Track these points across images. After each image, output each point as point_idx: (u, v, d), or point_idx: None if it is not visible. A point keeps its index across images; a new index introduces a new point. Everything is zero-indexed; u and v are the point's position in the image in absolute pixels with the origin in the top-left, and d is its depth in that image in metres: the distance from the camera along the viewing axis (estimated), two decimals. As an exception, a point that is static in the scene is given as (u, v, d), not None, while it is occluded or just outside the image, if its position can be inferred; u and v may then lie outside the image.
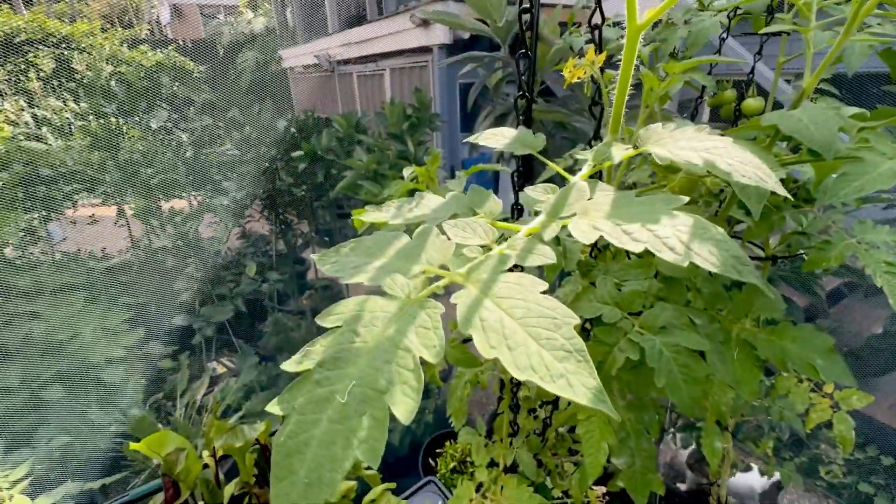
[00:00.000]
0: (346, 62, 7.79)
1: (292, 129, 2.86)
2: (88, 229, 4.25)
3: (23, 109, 4.30)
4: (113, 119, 3.72)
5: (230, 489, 1.12)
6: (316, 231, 3.74)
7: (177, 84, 4.37)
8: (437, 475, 1.23)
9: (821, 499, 3.23)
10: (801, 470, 3.39)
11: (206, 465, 1.29)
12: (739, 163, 0.46)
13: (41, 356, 2.40)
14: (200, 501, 1.17)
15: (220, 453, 1.28)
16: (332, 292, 4.63)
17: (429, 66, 5.62)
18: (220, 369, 3.02)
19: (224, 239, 3.01)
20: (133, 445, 1.00)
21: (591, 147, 0.73)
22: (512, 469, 0.81)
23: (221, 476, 1.24)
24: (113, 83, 3.92)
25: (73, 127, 4.13)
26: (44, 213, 3.50)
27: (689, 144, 0.49)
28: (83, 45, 6.24)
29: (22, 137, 3.49)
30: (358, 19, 7.24)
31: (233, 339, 2.96)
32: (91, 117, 3.93)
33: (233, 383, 2.52)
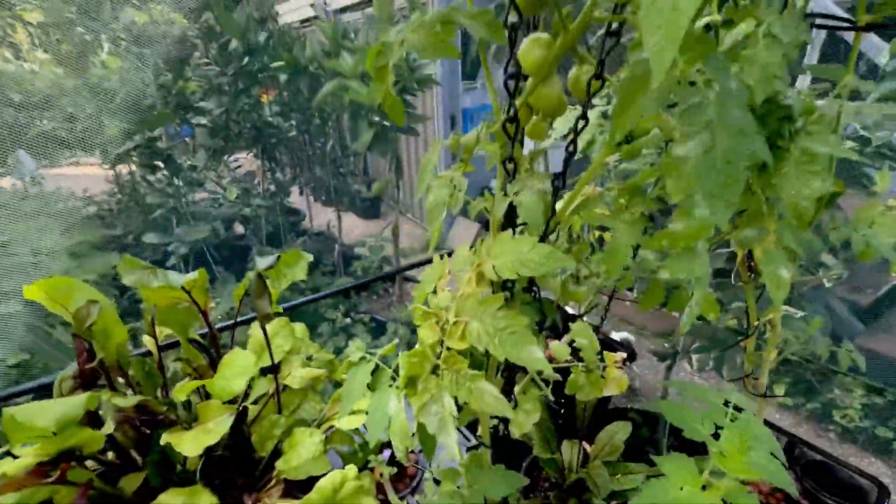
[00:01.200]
0: (344, 10, 7.39)
1: (273, 42, 2.59)
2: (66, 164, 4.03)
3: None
4: (88, 45, 3.44)
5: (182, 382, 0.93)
6: (305, 168, 3.50)
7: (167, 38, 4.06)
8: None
9: (833, 444, 3.06)
10: (815, 415, 3.22)
11: (148, 353, 1.09)
12: None
13: (5, 275, 2.22)
14: (129, 390, 0.97)
15: (161, 334, 1.08)
16: (326, 238, 4.43)
17: (428, 4, 5.29)
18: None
19: (203, 163, 2.79)
20: (28, 289, 0.79)
21: None
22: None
23: (166, 363, 1.04)
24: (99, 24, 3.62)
25: (43, 49, 3.86)
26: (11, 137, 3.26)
27: None
28: None
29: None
30: None
31: (213, 269, 2.77)
32: (65, 45, 3.65)
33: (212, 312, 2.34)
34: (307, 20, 9.46)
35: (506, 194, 0.43)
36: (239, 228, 4.08)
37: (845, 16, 0.74)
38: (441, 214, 0.51)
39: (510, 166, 0.44)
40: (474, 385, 0.38)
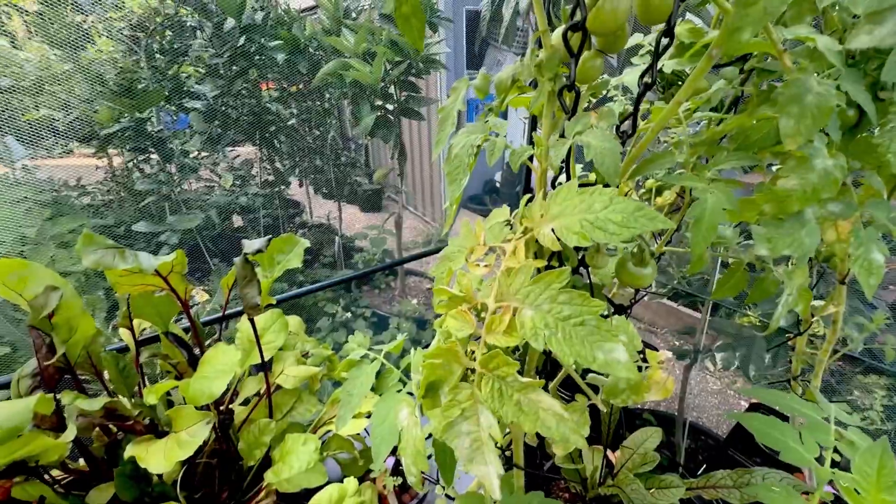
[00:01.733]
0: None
1: (270, 22, 2.46)
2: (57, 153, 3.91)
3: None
4: (80, 28, 3.31)
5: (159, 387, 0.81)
6: (305, 158, 3.38)
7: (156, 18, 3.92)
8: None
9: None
10: (836, 417, 3.11)
11: (125, 348, 0.97)
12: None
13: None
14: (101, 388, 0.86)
15: (139, 327, 0.96)
16: (326, 230, 4.31)
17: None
18: (199, 297, 2.74)
19: (198, 149, 2.68)
20: (-25, 273, 0.68)
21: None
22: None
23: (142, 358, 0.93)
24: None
25: (33, 32, 3.71)
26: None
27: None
28: None
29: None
30: None
31: (210, 261, 2.66)
32: (51, 24, 3.51)
33: (207, 305, 2.24)
34: (309, 8, 9.30)
35: (563, 136, 0.31)
36: (238, 221, 3.96)
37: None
38: (464, 174, 0.39)
39: (569, 97, 0.32)
40: (526, 397, 0.26)
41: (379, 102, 2.27)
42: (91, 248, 0.64)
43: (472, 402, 0.28)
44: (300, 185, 4.89)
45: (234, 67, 2.57)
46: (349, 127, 4.89)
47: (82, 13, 3.05)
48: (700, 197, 0.35)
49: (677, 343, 3.58)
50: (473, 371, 0.29)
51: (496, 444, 0.30)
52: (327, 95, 3.12)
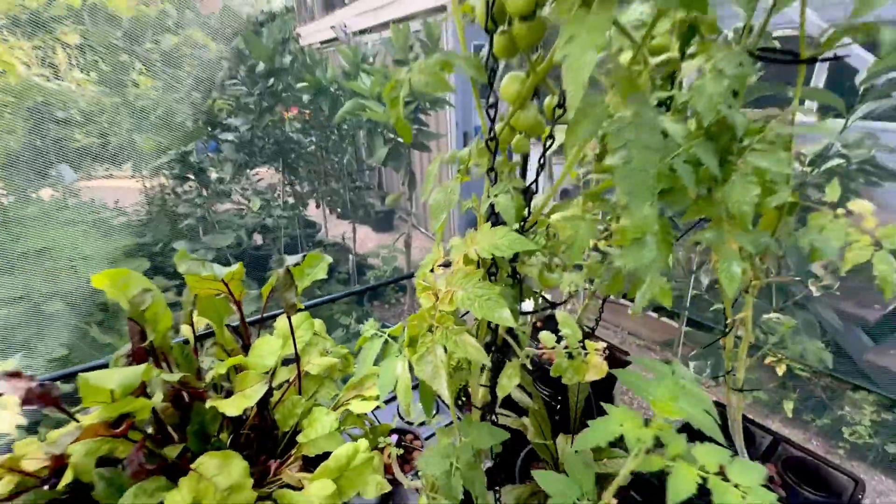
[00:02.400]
0: (363, 32, 7.72)
1: (297, 65, 2.80)
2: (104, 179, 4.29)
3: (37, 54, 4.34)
4: (124, 67, 3.72)
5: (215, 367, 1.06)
6: (322, 182, 3.69)
7: (195, 61, 4.35)
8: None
9: (843, 462, 3.04)
10: (825, 431, 3.20)
11: (185, 341, 1.23)
12: None
13: (51, 277, 2.41)
14: (175, 367, 1.11)
15: (198, 325, 1.22)
16: (341, 249, 4.59)
17: (443, 27, 5.53)
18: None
19: (230, 176, 2.99)
20: (95, 278, 0.94)
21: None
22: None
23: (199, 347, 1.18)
24: (136, 52, 3.92)
25: (88, 74, 4.13)
26: (56, 152, 3.51)
27: None
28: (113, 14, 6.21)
29: (37, 78, 3.51)
30: None
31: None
32: (103, 67, 3.93)
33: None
34: (328, 41, 9.86)
35: (489, 196, 0.55)
36: (258, 239, 4.27)
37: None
38: (442, 213, 0.64)
39: (492, 174, 0.56)
40: (459, 338, 0.49)
41: (391, 136, 2.56)
42: (184, 260, 0.90)
43: (432, 343, 0.51)
44: (317, 207, 5.22)
45: (264, 104, 2.90)
46: (364, 153, 5.24)
47: (130, 52, 3.45)
48: (577, 230, 0.58)
49: (660, 350, 3.73)
50: (433, 327, 0.52)
51: (447, 373, 0.53)
52: (345, 126, 3.44)
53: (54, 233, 2.71)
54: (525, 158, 0.62)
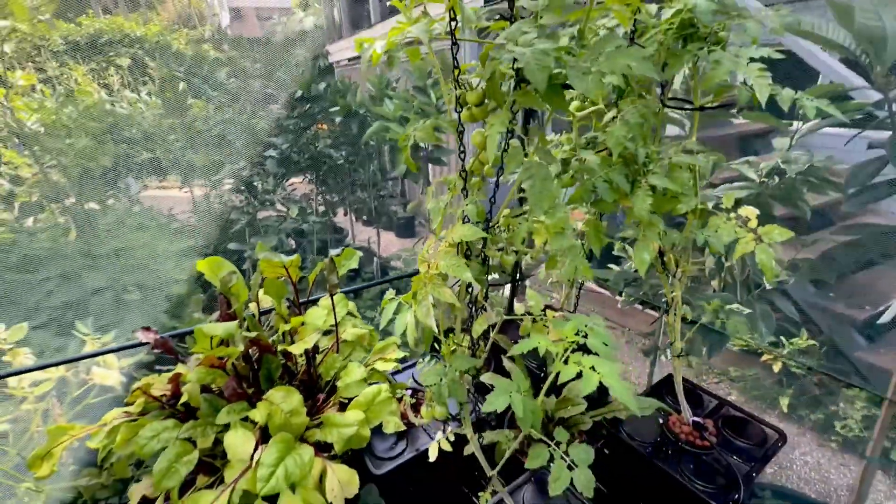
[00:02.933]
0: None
1: (330, 91, 3.23)
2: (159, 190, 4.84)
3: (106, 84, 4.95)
4: (183, 95, 4.26)
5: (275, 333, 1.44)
6: (350, 192, 4.11)
7: (232, 78, 4.88)
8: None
9: (835, 453, 3.20)
10: (818, 426, 3.37)
11: (252, 315, 1.62)
12: None
13: (128, 271, 2.88)
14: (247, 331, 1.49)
15: (262, 303, 1.61)
16: (366, 252, 4.99)
17: (462, 45, 5.93)
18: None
19: (272, 187, 3.44)
20: (199, 263, 1.33)
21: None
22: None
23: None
24: (177, 74, 4.46)
25: (142, 106, 4.68)
26: (124, 166, 4.04)
27: None
28: (155, 43, 6.89)
29: (109, 104, 4.08)
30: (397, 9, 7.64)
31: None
32: (166, 94, 4.49)
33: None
34: (354, 58, 10.43)
35: (464, 206, 0.90)
36: (292, 243, 4.74)
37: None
38: (438, 216, 0.99)
39: (464, 192, 0.91)
40: (441, 289, 0.83)
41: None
42: (262, 251, 1.28)
43: (425, 293, 0.85)
44: (345, 214, 5.67)
45: (301, 125, 3.33)
46: (388, 166, 5.67)
47: (190, 83, 3.97)
48: (517, 227, 0.92)
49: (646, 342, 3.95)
50: (427, 284, 0.86)
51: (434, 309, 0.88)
52: (372, 142, 3.86)
53: (128, 236, 3.20)
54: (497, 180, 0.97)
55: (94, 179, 3.47)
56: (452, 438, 1.08)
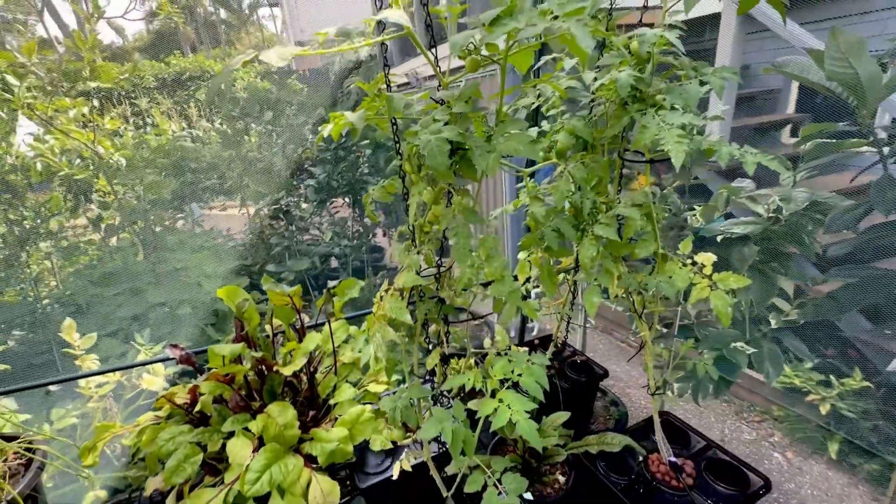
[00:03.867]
0: (432, 77, 8.60)
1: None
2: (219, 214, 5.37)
3: (180, 120, 5.63)
4: (241, 129, 4.77)
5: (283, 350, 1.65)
6: (386, 214, 4.36)
7: (293, 106, 5.36)
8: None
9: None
10: (872, 477, 3.06)
11: (267, 336, 1.83)
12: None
13: (182, 289, 3.27)
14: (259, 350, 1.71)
15: (276, 325, 1.82)
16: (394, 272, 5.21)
17: (497, 72, 6.11)
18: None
19: (310, 212, 3.76)
20: (219, 292, 1.57)
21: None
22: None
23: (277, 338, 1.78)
24: (243, 105, 4.98)
25: (214, 135, 5.25)
26: (189, 194, 4.56)
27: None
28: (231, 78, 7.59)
29: (183, 139, 4.67)
30: (443, 38, 8.02)
31: (311, 293, 3.67)
32: (227, 130, 5.05)
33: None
34: (403, 85, 10.94)
35: (409, 258, 1.04)
36: (334, 263, 5.07)
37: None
38: (404, 260, 1.14)
39: (414, 245, 1.04)
40: (384, 328, 0.97)
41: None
42: (267, 282, 1.49)
43: (374, 330, 0.99)
44: (384, 235, 5.95)
45: (339, 154, 3.64)
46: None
47: (245, 121, 4.46)
48: (462, 273, 1.04)
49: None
50: (376, 324, 1.01)
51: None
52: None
53: (186, 256, 3.63)
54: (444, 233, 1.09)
55: (162, 205, 3.97)
56: (413, 461, 1.20)
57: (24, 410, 2.30)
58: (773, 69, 1.91)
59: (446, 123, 0.81)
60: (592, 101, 1.23)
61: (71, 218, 3.76)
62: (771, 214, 1.80)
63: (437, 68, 0.95)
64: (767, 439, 3.70)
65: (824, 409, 3.27)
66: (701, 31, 4.11)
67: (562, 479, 1.56)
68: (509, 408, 0.87)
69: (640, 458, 1.53)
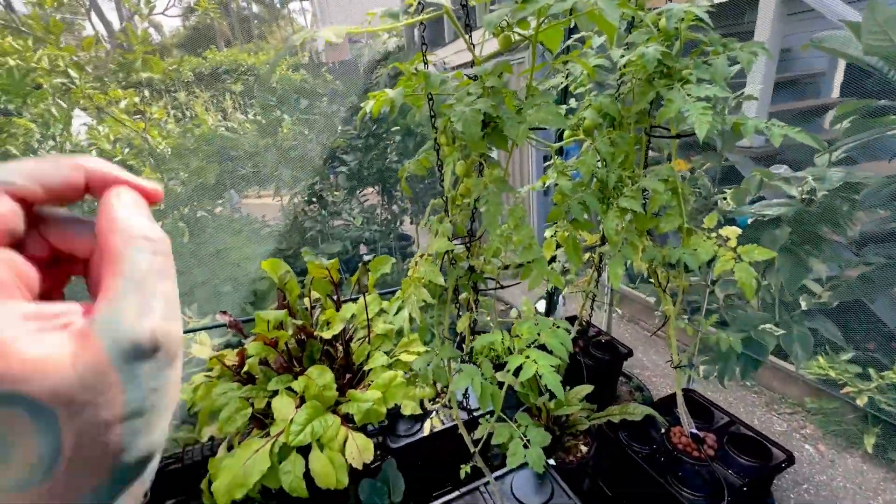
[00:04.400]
0: (462, 66, 8.62)
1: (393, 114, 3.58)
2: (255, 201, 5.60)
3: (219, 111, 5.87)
4: (275, 120, 4.95)
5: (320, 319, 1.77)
6: (414, 202, 4.46)
7: (325, 97, 5.51)
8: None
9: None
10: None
11: (306, 308, 1.96)
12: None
13: (224, 268, 3.46)
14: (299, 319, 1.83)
15: (314, 298, 1.94)
16: (427, 259, 5.31)
17: (526, 60, 6.08)
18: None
19: (341, 199, 3.89)
20: (263, 264, 1.70)
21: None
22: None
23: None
24: (277, 95, 5.16)
25: (249, 125, 5.47)
26: (228, 181, 4.77)
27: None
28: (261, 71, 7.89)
29: (221, 129, 4.88)
30: (469, 27, 8.01)
31: (342, 276, 3.82)
32: (261, 119, 5.24)
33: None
34: (461, 64, 10.96)
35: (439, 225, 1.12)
36: (364, 249, 5.22)
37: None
38: (434, 230, 1.22)
39: (446, 213, 1.12)
40: (419, 289, 1.05)
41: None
42: (309, 255, 1.60)
43: (410, 292, 1.07)
44: (411, 223, 6.06)
45: (370, 142, 3.74)
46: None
47: (280, 110, 4.63)
48: (491, 239, 1.11)
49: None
50: (411, 285, 1.09)
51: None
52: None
53: (227, 238, 3.83)
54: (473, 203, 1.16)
55: (204, 191, 4.19)
56: (442, 421, 1.28)
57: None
58: (812, 45, 1.86)
59: (479, 97, 0.88)
60: (621, 77, 1.26)
61: (122, 203, 4.02)
62: (804, 196, 1.77)
63: (472, 47, 1.01)
64: (799, 431, 3.63)
65: (861, 401, 3.18)
66: (741, 13, 3.99)
67: (584, 448, 1.62)
68: (536, 363, 0.94)
69: (663, 430, 1.57)
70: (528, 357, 0.97)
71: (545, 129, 1.01)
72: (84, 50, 3.05)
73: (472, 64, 1.05)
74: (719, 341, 1.39)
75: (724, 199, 2.18)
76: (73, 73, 2.89)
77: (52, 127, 3.21)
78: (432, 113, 1.04)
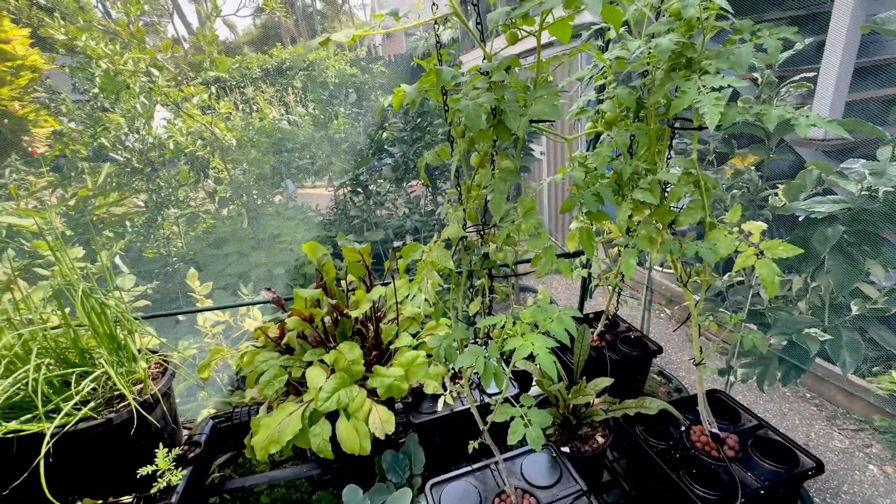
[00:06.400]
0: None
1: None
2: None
3: (279, 104, 6.26)
4: (330, 113, 5.21)
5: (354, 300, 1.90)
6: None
7: (377, 90, 5.69)
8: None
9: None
10: None
11: (343, 289, 2.11)
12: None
13: (278, 253, 3.74)
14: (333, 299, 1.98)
15: (350, 281, 2.09)
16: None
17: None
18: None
19: (387, 188, 4.06)
20: (303, 246, 1.85)
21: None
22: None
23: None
24: (332, 89, 5.40)
25: (307, 118, 5.75)
26: (285, 172, 5.08)
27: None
28: (323, 66, 8.20)
29: (283, 122, 5.22)
30: (480, 26, 7.94)
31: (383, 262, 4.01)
32: (317, 113, 5.52)
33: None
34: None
35: (454, 214, 1.18)
36: (409, 238, 5.39)
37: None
38: (451, 220, 1.29)
39: (459, 202, 1.18)
40: (431, 273, 1.13)
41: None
42: (343, 239, 1.74)
43: (423, 275, 1.15)
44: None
45: (415, 135, 3.86)
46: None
47: (334, 104, 4.86)
48: (501, 230, 1.15)
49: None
50: (424, 269, 1.16)
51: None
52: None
53: (281, 225, 4.12)
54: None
55: (263, 180, 4.52)
56: (455, 396, 1.36)
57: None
58: (871, 27, 1.69)
59: (488, 89, 0.93)
60: (646, 69, 1.25)
61: (193, 190, 4.45)
62: (864, 192, 1.62)
63: (482, 44, 1.06)
64: (863, 450, 3.34)
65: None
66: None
67: (601, 439, 1.63)
68: (532, 344, 0.99)
69: (683, 428, 1.55)
70: (527, 340, 1.02)
71: (552, 121, 1.04)
72: (162, 51, 3.40)
73: (531, 52, 1.10)
74: (743, 341, 1.34)
75: (776, 194, 2.05)
76: (154, 72, 3.24)
77: (137, 121, 3.62)
78: (446, 107, 1.10)
